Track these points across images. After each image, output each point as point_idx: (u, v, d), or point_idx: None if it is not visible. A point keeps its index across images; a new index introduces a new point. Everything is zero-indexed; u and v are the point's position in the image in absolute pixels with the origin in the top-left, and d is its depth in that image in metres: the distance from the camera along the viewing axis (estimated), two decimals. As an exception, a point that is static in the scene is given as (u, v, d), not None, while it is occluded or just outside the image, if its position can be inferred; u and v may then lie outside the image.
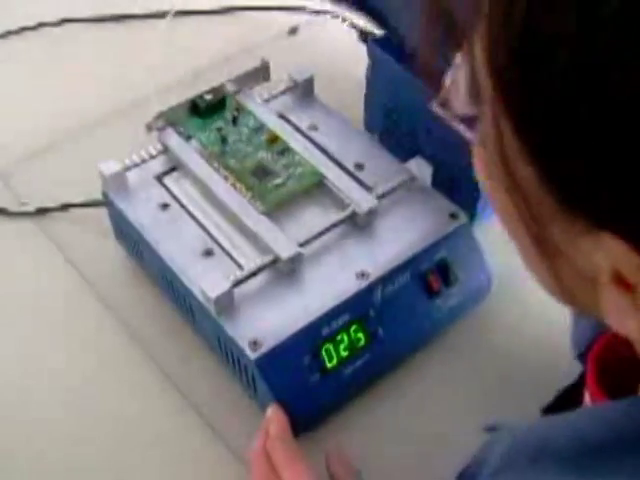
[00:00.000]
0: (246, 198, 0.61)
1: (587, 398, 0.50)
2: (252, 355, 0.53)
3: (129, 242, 0.65)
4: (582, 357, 0.53)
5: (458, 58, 0.32)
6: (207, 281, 0.55)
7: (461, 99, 0.33)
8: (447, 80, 0.33)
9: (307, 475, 0.49)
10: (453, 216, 0.62)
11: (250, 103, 0.69)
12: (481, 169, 0.34)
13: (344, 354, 0.56)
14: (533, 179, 0.28)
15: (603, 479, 0.30)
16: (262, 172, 0.63)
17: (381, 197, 0.61)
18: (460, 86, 0.32)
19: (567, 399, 0.54)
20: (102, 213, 0.67)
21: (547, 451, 0.34)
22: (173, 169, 0.65)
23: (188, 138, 0.66)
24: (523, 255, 0.35)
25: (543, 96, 0.26)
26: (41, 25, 0.92)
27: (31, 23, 0.92)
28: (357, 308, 0.57)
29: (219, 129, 0.66)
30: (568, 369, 0.57)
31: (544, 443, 0.34)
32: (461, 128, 0.34)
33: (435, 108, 0.34)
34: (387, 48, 0.71)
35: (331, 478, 0.51)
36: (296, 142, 0.66)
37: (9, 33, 0.91)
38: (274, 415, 0.53)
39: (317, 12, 0.93)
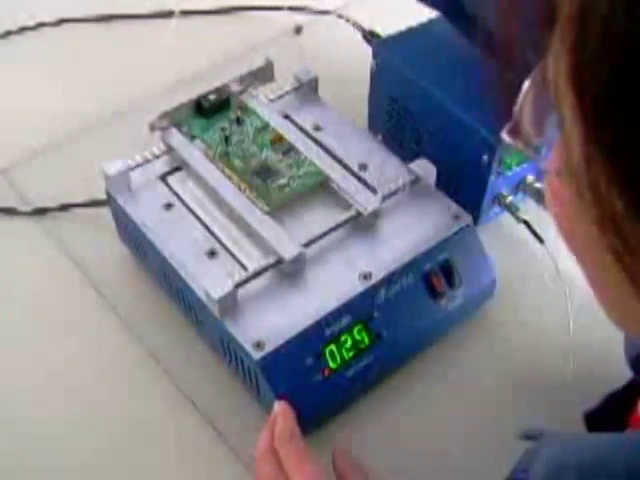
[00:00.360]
0: (250, 198, 0.61)
1: None
2: (255, 356, 0.53)
3: (132, 242, 0.65)
4: (633, 362, 0.51)
5: (530, 82, 0.30)
6: (210, 281, 0.55)
7: (533, 125, 0.31)
8: (517, 106, 0.32)
9: (316, 474, 0.48)
10: (457, 217, 0.62)
11: (254, 103, 0.69)
12: (556, 199, 0.32)
13: (347, 355, 0.56)
14: (626, 207, 0.26)
15: None
16: (266, 172, 0.63)
17: (385, 198, 0.61)
18: (531, 111, 0.31)
19: (613, 406, 0.52)
20: (105, 213, 0.67)
21: (599, 473, 0.33)
22: (177, 169, 0.65)
23: (192, 138, 0.66)
24: (602, 287, 0.34)
25: None
26: (43, 25, 0.92)
27: (32, 23, 0.92)
28: (361, 309, 0.57)
29: (223, 129, 0.66)
30: (573, 370, 0.57)
31: (596, 463, 0.33)
32: (533, 157, 0.33)
33: (504, 136, 0.33)
34: (392, 48, 0.71)
35: (338, 476, 0.51)
36: (300, 142, 0.65)
37: (10, 33, 0.92)
38: (281, 411, 0.52)
39: (321, 12, 0.92)
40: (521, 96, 0.32)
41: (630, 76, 0.24)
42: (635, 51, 0.23)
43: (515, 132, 0.32)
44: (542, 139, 0.31)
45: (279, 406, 0.52)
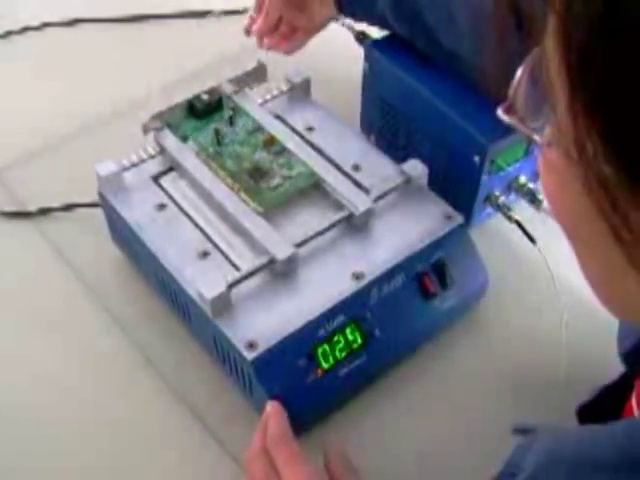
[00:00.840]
0: (242, 199, 0.61)
1: (635, 408, 0.47)
2: (248, 356, 0.53)
3: (125, 243, 0.65)
4: (626, 357, 0.51)
5: (525, 63, 0.32)
6: (203, 282, 0.55)
7: (527, 102, 0.32)
8: (514, 84, 0.33)
9: (309, 474, 0.48)
10: (449, 218, 0.62)
11: (247, 104, 0.69)
12: (548, 172, 0.33)
13: (340, 355, 0.56)
14: (615, 170, 0.27)
15: None
16: (258, 173, 0.63)
17: (377, 198, 0.62)
18: (526, 88, 0.32)
19: (606, 399, 0.52)
20: (99, 214, 0.67)
21: (587, 463, 0.33)
22: (170, 170, 0.65)
23: (185, 139, 0.66)
24: (594, 268, 0.34)
25: (632, 81, 0.25)
26: (45, 25, 0.93)
27: (35, 23, 0.92)
28: (353, 309, 0.57)
29: (216, 130, 0.66)
30: (566, 368, 0.57)
31: (585, 454, 0.34)
32: (528, 132, 0.33)
33: (500, 114, 0.34)
34: (384, 50, 0.71)
35: (330, 477, 0.50)
36: (293, 143, 0.66)
37: (10, 33, 0.92)
38: (273, 412, 0.52)
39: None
40: (517, 75, 0.33)
41: (608, 25, 0.25)
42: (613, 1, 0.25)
43: (510, 110, 0.33)
44: (537, 116, 0.32)
45: (271, 407, 0.53)
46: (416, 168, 0.63)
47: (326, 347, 0.56)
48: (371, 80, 0.73)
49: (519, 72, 0.33)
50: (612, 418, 0.44)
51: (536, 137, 0.33)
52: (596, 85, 0.26)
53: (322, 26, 0.77)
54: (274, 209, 0.61)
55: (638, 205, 0.27)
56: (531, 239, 0.65)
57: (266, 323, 0.55)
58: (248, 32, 0.78)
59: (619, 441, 0.33)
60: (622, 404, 0.49)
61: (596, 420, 0.38)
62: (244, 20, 0.80)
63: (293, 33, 0.78)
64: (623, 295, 0.34)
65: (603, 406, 0.50)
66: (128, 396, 0.60)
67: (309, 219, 0.61)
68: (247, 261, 0.58)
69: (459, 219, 0.62)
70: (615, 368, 0.53)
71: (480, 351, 0.63)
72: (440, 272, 0.61)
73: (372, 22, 0.72)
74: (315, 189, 0.63)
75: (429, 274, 0.60)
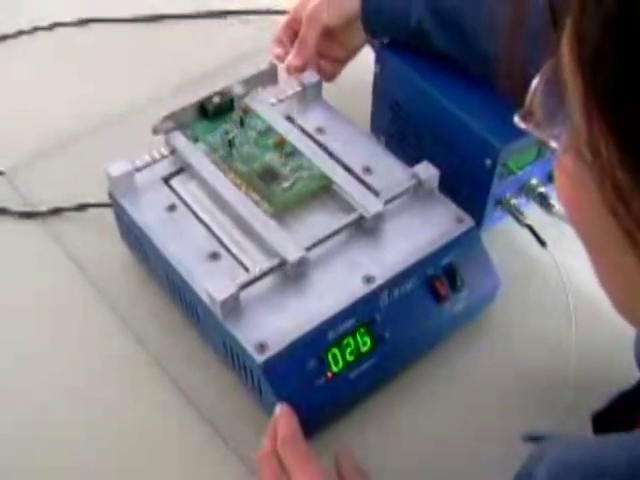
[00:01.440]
0: (253, 201, 0.61)
1: None
2: (258, 359, 0.53)
3: (135, 244, 0.65)
4: None
5: (543, 70, 0.32)
6: (213, 284, 0.55)
7: (544, 109, 0.32)
8: (530, 92, 0.33)
9: (319, 475, 0.48)
10: (460, 221, 0.62)
11: (258, 106, 0.69)
12: (564, 178, 0.32)
13: (350, 358, 0.56)
14: (630, 174, 0.27)
15: None
16: (269, 175, 0.63)
17: (388, 201, 0.61)
18: (542, 95, 0.32)
19: (621, 406, 0.51)
20: (109, 214, 0.67)
21: (601, 474, 0.33)
22: (180, 171, 0.65)
23: (195, 140, 0.66)
24: (609, 273, 0.34)
25: None
26: (55, 25, 0.93)
27: (44, 23, 0.93)
28: (363, 312, 0.57)
29: (226, 132, 0.66)
30: (575, 371, 0.57)
31: (598, 465, 0.33)
32: (545, 139, 0.33)
33: (517, 121, 0.34)
34: (394, 52, 0.71)
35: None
36: (304, 145, 0.65)
37: (20, 33, 0.92)
38: (283, 414, 0.52)
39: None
40: (534, 81, 0.33)
41: (621, 23, 0.25)
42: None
43: (527, 117, 0.33)
44: (553, 122, 0.32)
45: (281, 409, 0.52)
46: (427, 171, 0.63)
47: (336, 350, 0.56)
48: (382, 82, 0.73)
49: (536, 78, 0.32)
50: (628, 425, 0.44)
51: (552, 143, 0.33)
52: (610, 85, 0.26)
53: (355, 53, 0.76)
54: (284, 211, 0.61)
55: None
56: (542, 243, 0.65)
57: (276, 325, 0.55)
58: (278, 59, 0.76)
59: (635, 452, 0.33)
60: (639, 411, 0.48)
61: (611, 427, 0.38)
62: (274, 48, 0.77)
63: (328, 64, 0.76)
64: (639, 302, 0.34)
65: (618, 413, 0.50)
66: (135, 396, 0.60)
67: (319, 221, 0.61)
68: (257, 263, 0.58)
69: (470, 222, 0.62)
70: (625, 372, 0.52)
71: (490, 354, 0.63)
72: (451, 275, 0.60)
73: (405, 38, 0.70)
74: (326, 191, 0.63)
75: (440, 277, 0.60)
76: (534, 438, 0.41)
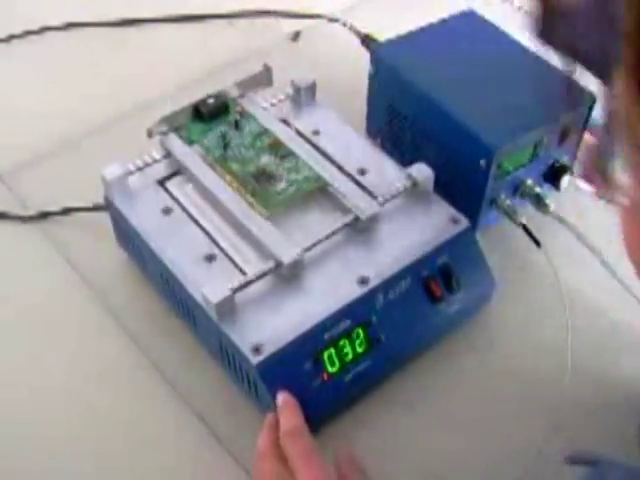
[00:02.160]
0: (248, 203, 0.61)
1: None
2: (254, 360, 0.53)
3: (131, 247, 0.65)
4: None
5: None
6: (209, 286, 0.55)
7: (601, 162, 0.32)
8: (582, 153, 0.33)
9: (324, 469, 0.47)
10: (455, 221, 0.62)
11: (253, 108, 0.69)
12: (630, 223, 0.32)
13: (346, 359, 0.56)
14: None
15: None
16: (264, 177, 0.63)
17: (383, 202, 0.61)
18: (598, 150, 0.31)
19: None
20: (104, 217, 0.67)
21: None
22: (175, 174, 0.65)
23: (190, 143, 0.66)
24: None
25: None
26: (45, 29, 0.93)
27: (35, 27, 0.93)
28: (359, 313, 0.57)
29: (222, 134, 0.66)
30: (571, 373, 0.57)
31: None
32: (612, 197, 0.33)
33: (580, 183, 0.34)
34: (390, 53, 0.71)
35: (341, 478, 0.49)
36: (298, 147, 0.66)
37: (12, 37, 0.92)
38: (287, 405, 0.50)
39: (319, 18, 0.93)
40: (584, 139, 0.32)
41: None
42: None
43: (588, 177, 0.33)
44: (613, 179, 0.31)
45: (283, 400, 0.51)
46: (422, 172, 0.63)
47: (332, 351, 0.56)
48: (377, 84, 0.73)
49: (585, 136, 0.31)
50: None
51: (619, 196, 0.32)
52: None
53: None
54: (280, 213, 0.61)
55: None
56: (537, 243, 0.65)
57: (272, 327, 0.55)
58: None
59: None
60: None
61: None
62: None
63: None
64: None
65: None
66: (131, 399, 0.60)
67: (315, 223, 0.61)
68: (253, 265, 0.58)
69: (465, 223, 0.62)
70: (619, 374, 0.53)
71: (485, 354, 0.63)
72: (446, 276, 0.60)
73: None
74: (321, 193, 0.63)
75: (435, 278, 0.60)
76: (576, 459, 0.40)
